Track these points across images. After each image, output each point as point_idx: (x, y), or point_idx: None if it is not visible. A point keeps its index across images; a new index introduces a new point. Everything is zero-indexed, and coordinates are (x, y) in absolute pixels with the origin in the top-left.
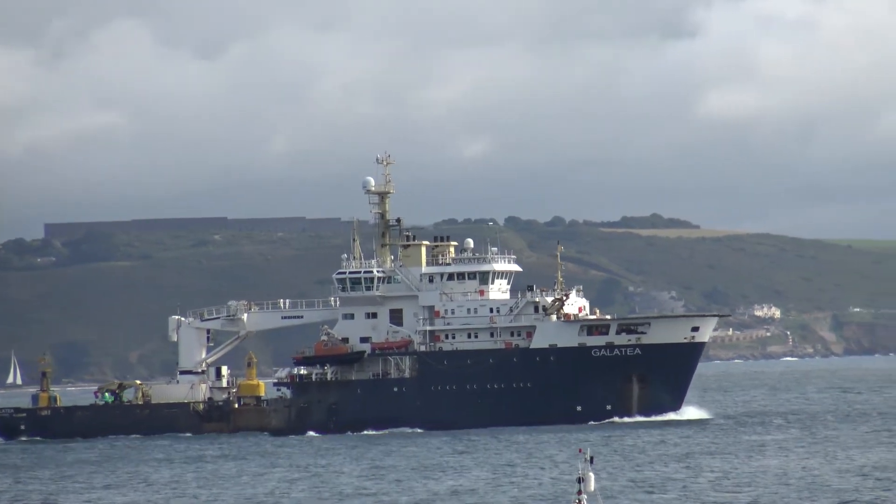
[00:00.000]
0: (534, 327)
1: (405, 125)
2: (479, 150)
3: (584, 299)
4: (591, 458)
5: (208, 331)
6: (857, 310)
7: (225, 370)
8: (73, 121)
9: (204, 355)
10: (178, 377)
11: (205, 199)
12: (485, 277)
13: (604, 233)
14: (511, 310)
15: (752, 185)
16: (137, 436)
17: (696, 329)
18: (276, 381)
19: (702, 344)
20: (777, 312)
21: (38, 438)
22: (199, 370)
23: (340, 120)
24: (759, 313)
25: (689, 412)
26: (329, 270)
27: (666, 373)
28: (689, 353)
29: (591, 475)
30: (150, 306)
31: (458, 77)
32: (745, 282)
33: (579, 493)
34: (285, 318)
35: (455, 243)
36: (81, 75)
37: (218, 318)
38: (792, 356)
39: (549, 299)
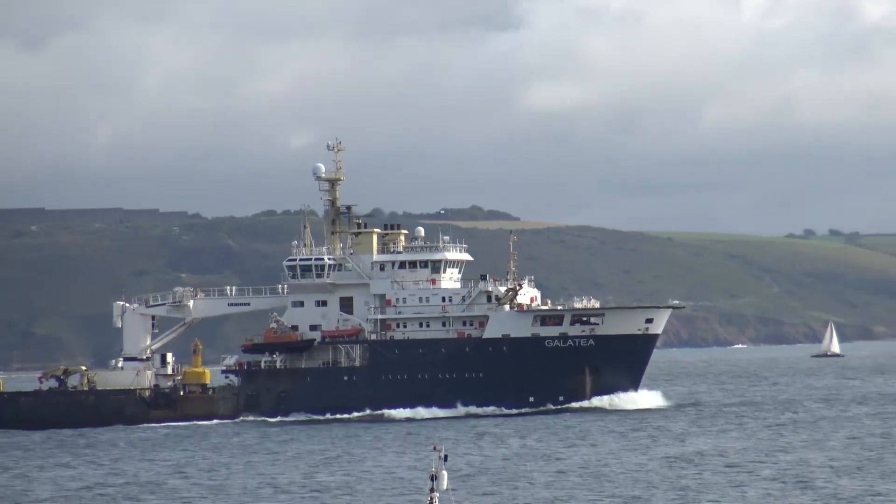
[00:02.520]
0: (487, 317)
1: (229, 117)
2: (303, 142)
3: (535, 289)
4: (446, 456)
5: (153, 317)
6: (677, 302)
7: (170, 357)
8: None
9: (149, 342)
10: (122, 364)
11: (23, 190)
12: (437, 266)
13: (423, 225)
14: (463, 299)
15: (573, 178)
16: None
17: (650, 321)
18: (224, 368)
19: (655, 335)
20: (597, 304)
21: None
22: (144, 357)
23: (164, 112)
24: (578, 305)
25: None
26: (146, 262)
27: (619, 364)
28: (643, 345)
29: (445, 473)
30: None
31: (281, 69)
32: (564, 274)
33: (432, 490)
34: (232, 304)
35: (405, 231)
36: None
37: (163, 304)
38: None
39: (503, 289)
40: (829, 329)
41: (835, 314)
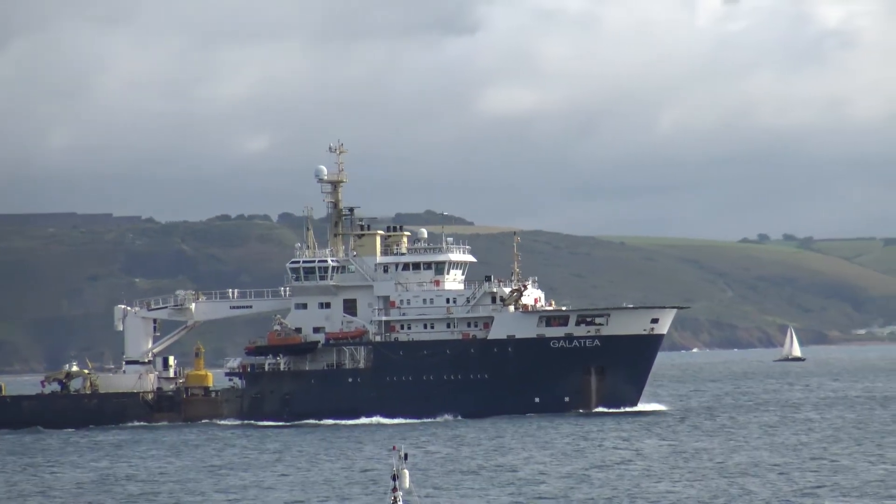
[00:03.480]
0: (491, 318)
1: (186, 120)
2: (260, 146)
3: (539, 290)
4: (406, 455)
5: (155, 320)
6: (630, 306)
7: (172, 360)
8: None
9: (150, 345)
10: (124, 367)
11: None
12: (440, 268)
13: (381, 228)
14: (468, 300)
15: (528, 182)
16: (78, 428)
17: (655, 321)
18: (227, 370)
19: (661, 336)
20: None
21: None
22: (146, 360)
23: (120, 115)
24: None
25: (648, 405)
26: (100, 266)
27: (625, 365)
28: (649, 345)
29: (406, 472)
30: None
31: (240, 73)
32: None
33: (394, 490)
34: (234, 307)
35: (408, 233)
36: None
37: (165, 307)
38: None
39: (507, 290)
40: (789, 333)
41: (789, 319)
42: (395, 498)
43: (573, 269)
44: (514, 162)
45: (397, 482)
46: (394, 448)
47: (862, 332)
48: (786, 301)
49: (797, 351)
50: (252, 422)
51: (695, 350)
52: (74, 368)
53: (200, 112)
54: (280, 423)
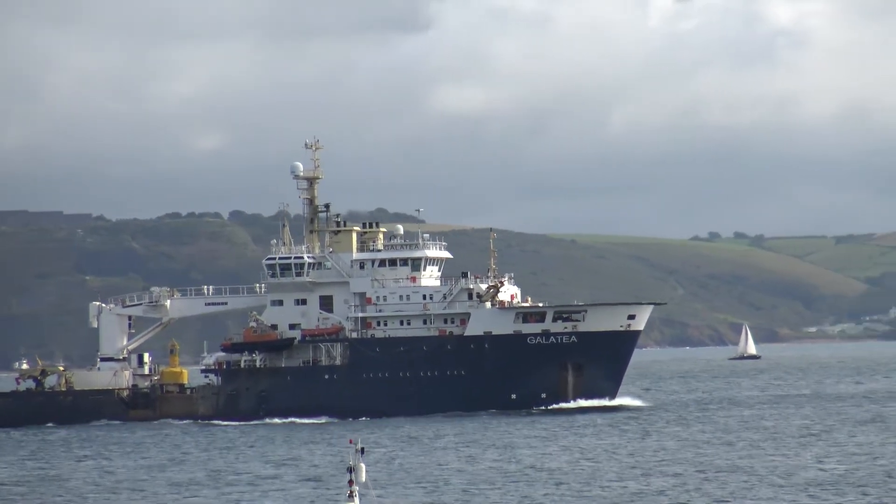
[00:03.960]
0: (468, 314)
1: (137, 119)
2: (212, 145)
3: (516, 287)
4: (363, 450)
5: (129, 317)
6: (580, 304)
7: (147, 357)
8: None
9: (125, 342)
10: (99, 364)
11: None
12: (417, 264)
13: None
14: (444, 297)
15: (479, 180)
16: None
17: (632, 317)
18: (203, 367)
19: (637, 332)
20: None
21: None
22: (121, 357)
23: (71, 113)
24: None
25: (625, 400)
26: (50, 264)
27: (602, 361)
28: (625, 341)
29: (363, 466)
30: None
31: (192, 72)
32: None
33: (350, 483)
34: (209, 304)
35: (384, 229)
36: None
37: (140, 304)
38: None
39: (484, 286)
40: (744, 331)
41: (739, 316)
42: (351, 491)
43: (524, 267)
44: (466, 160)
45: (353, 475)
46: (350, 441)
47: (812, 329)
48: (736, 299)
49: (752, 349)
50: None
51: (648, 349)
52: (57, 365)
53: (151, 111)
54: (233, 422)
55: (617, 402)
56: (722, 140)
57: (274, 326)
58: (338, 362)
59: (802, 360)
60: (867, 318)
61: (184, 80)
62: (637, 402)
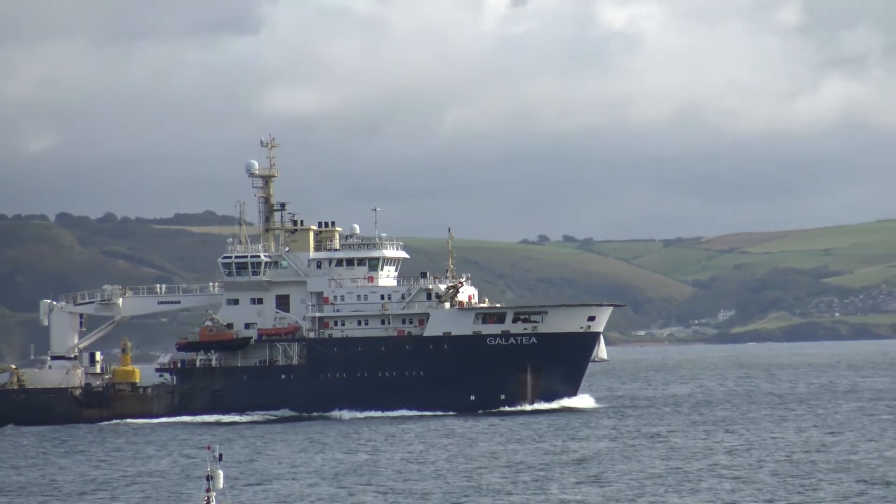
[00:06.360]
0: (427, 315)
1: None
2: (43, 146)
3: (473, 288)
4: (220, 455)
5: (81, 315)
6: (567, 304)
7: (99, 356)
8: None
9: (77, 340)
10: (50, 362)
11: None
12: (374, 264)
13: (156, 230)
14: (403, 297)
15: (310, 183)
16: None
17: (592, 318)
18: (158, 366)
19: (597, 334)
20: None
21: None
22: (72, 355)
23: None
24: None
25: (584, 401)
26: None
27: (561, 362)
28: (585, 343)
29: (221, 472)
30: None
31: (23, 72)
32: None
33: (208, 490)
34: (161, 303)
35: (340, 229)
36: None
37: (92, 302)
38: None
39: (443, 287)
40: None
41: None
42: (208, 498)
43: None
44: (297, 163)
45: (211, 482)
46: (208, 448)
47: (641, 333)
48: (564, 302)
49: (604, 353)
50: (183, 418)
51: None
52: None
53: None
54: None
55: (574, 402)
56: (552, 143)
57: (230, 326)
58: (295, 362)
59: (653, 364)
60: (695, 322)
61: (14, 81)
62: (592, 404)
